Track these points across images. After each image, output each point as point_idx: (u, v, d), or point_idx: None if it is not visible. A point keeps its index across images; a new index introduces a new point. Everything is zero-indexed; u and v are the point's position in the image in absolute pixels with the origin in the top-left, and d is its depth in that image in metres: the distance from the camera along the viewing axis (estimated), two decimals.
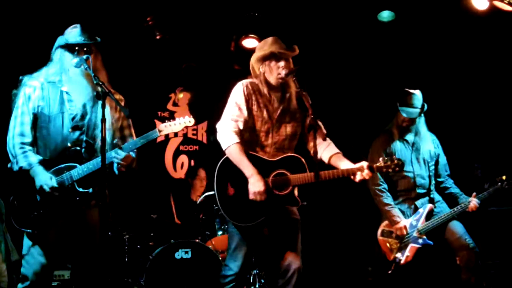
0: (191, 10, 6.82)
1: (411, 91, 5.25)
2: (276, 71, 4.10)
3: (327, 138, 4.21)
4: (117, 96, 3.99)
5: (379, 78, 7.44)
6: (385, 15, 6.71)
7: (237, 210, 4.03)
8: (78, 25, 3.95)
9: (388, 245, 5.08)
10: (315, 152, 3.75)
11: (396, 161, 3.95)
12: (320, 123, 3.92)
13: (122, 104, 3.99)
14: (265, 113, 4.16)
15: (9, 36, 6.28)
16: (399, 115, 5.24)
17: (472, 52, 6.84)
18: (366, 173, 3.94)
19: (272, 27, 6.76)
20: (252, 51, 4.33)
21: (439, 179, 5.33)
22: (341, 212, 7.36)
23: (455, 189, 5.32)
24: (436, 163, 5.32)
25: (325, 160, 4.20)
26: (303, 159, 4.09)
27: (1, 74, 5.75)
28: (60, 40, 3.92)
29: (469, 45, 6.81)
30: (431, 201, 5.20)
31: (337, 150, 4.20)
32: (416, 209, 5.15)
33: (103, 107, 3.51)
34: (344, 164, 4.08)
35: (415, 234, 5.02)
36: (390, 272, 5.01)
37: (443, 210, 5.15)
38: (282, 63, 4.10)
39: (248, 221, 4.03)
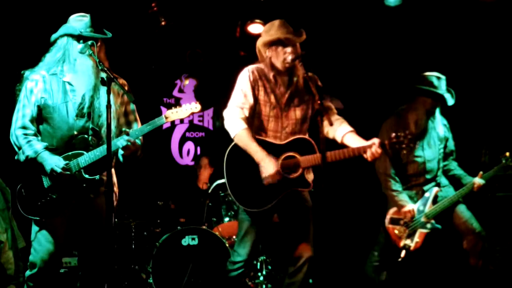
0: None
1: (441, 75, 5.14)
2: (282, 57, 4.07)
3: (340, 117, 4.18)
4: (121, 81, 3.99)
5: (385, 63, 7.39)
6: None
7: (249, 196, 4.00)
8: (87, 16, 3.94)
9: (396, 232, 5.06)
10: (322, 134, 3.61)
11: (409, 136, 3.80)
12: (330, 104, 3.87)
13: (126, 88, 3.98)
14: (272, 98, 4.13)
15: (9, 30, 6.26)
16: (427, 100, 5.06)
17: (479, 36, 6.78)
18: (375, 150, 3.81)
19: (278, 12, 6.72)
20: (257, 36, 4.30)
21: (443, 162, 5.29)
22: (348, 199, 7.35)
23: (458, 171, 5.29)
24: (444, 147, 5.28)
25: (338, 139, 4.12)
26: (312, 141, 4.03)
27: (4, 69, 5.75)
28: (70, 29, 3.89)
29: (476, 30, 6.75)
30: (438, 185, 5.17)
31: (350, 128, 4.11)
32: (423, 194, 5.12)
33: (108, 93, 3.49)
34: (356, 142, 3.97)
35: (422, 219, 5.00)
36: (400, 259, 4.99)
37: (449, 194, 5.11)
38: (289, 49, 4.06)
39: (260, 206, 4.00)
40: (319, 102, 3.60)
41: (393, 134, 3.83)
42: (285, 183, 3.96)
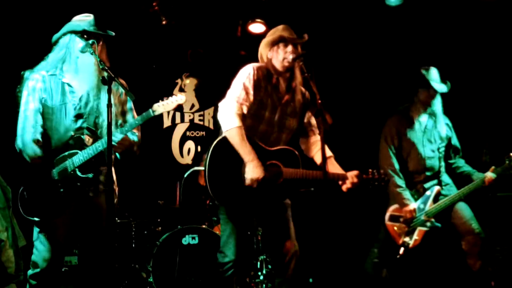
0: None
1: (432, 67, 5.17)
2: (283, 56, 4.08)
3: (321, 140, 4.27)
4: (120, 81, 3.98)
5: (386, 63, 7.39)
6: None
7: (224, 191, 3.98)
8: (91, 15, 3.95)
9: (396, 229, 5.07)
10: (322, 134, 3.69)
11: (383, 176, 4.10)
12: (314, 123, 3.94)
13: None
14: (270, 101, 4.12)
15: (8, 32, 6.25)
16: (422, 92, 5.14)
17: (480, 36, 6.78)
18: (349, 181, 4.03)
19: (279, 12, 6.73)
20: (258, 36, 4.32)
21: (450, 161, 5.28)
22: (348, 195, 7.33)
23: (467, 168, 5.26)
24: (448, 146, 5.27)
25: (317, 161, 4.23)
26: (298, 155, 4.10)
27: (5, 70, 5.74)
28: (73, 26, 3.89)
29: (477, 30, 6.75)
30: (440, 184, 5.16)
31: (329, 154, 4.23)
32: (424, 191, 5.12)
33: (109, 92, 3.50)
34: (335, 169, 4.15)
35: (422, 217, 5.00)
36: (399, 256, 5.00)
37: (451, 193, 5.10)
38: (289, 48, 4.08)
39: (232, 204, 4.02)
40: (320, 101, 3.60)
41: (370, 170, 4.12)
42: (264, 189, 3.96)
